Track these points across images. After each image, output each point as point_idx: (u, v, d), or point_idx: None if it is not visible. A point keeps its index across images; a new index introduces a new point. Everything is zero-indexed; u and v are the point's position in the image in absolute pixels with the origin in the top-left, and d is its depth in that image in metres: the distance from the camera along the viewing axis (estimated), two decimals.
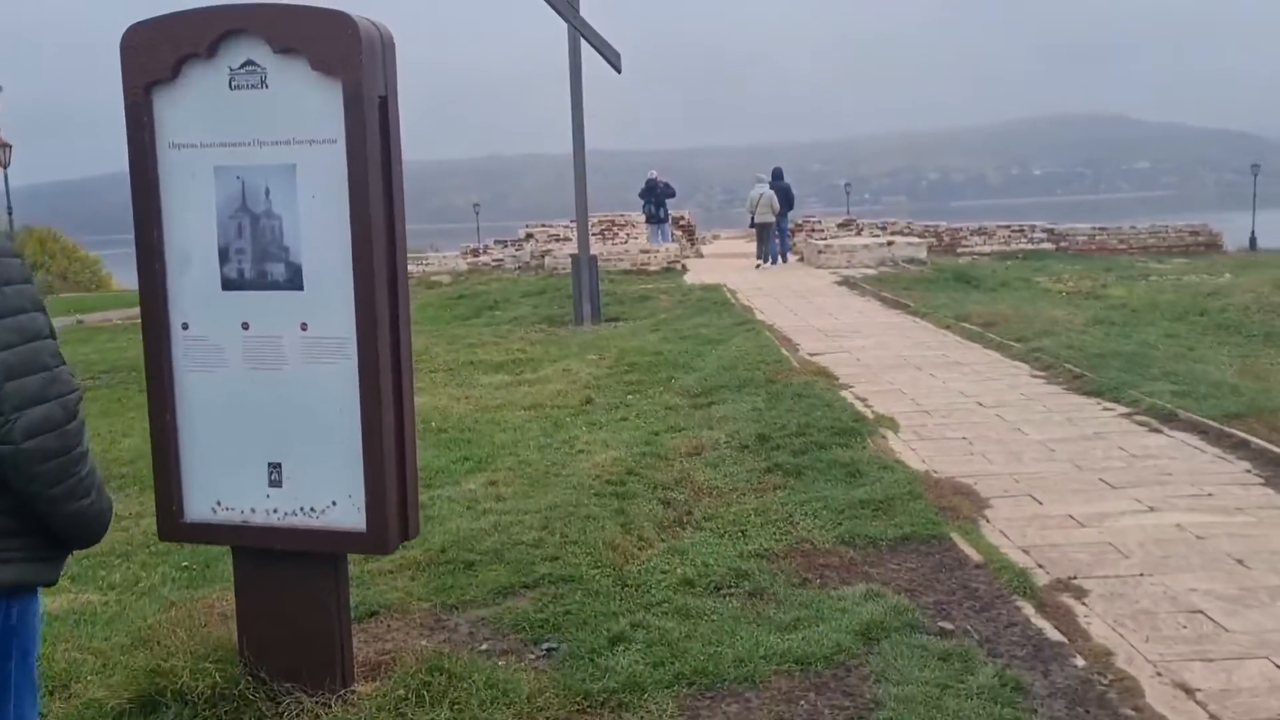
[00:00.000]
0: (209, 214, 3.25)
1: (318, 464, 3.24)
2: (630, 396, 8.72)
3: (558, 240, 24.42)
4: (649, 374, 9.59)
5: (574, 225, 25.69)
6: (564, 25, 14.33)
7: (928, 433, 6.91)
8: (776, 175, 21.98)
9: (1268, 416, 6.43)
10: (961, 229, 25.14)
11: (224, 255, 3.23)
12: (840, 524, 5.08)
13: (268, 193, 3.19)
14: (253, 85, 3.16)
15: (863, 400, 7.95)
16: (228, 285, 3.24)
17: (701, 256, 24.83)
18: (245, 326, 3.25)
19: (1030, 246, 24.31)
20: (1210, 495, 5.27)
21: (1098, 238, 24.59)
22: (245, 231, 3.21)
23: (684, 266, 21.20)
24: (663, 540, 5.14)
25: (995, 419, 7.17)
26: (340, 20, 3.05)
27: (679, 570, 4.64)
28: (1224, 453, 6.00)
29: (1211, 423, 6.46)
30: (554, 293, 17.42)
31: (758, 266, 21.29)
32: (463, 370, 11.01)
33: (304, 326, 3.20)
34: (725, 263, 22.39)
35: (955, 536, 4.81)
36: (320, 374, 3.19)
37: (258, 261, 3.22)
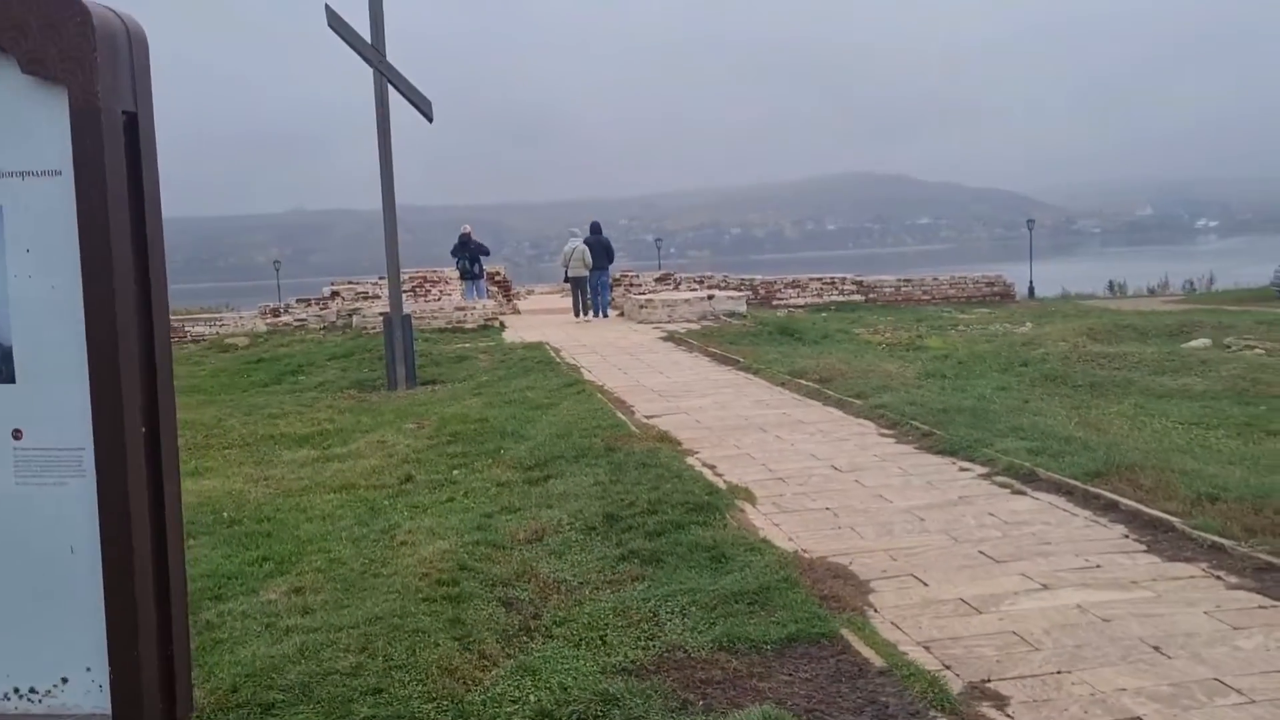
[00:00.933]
0: None
1: (38, 627, 2.30)
2: (456, 471, 7.84)
3: (366, 298, 23.13)
4: (475, 444, 8.73)
5: (383, 283, 24.46)
6: (370, 74, 13.42)
7: (787, 504, 6.37)
8: (595, 229, 21.60)
9: (1127, 473, 6.24)
10: (775, 281, 25.44)
11: None
12: (714, 624, 4.41)
13: None
14: None
15: (712, 468, 7.37)
16: None
17: (519, 313, 24.09)
18: None
19: (841, 298, 24.83)
20: (1099, 567, 4.91)
21: (903, 289, 25.38)
22: None
23: (502, 324, 20.38)
24: (509, 656, 4.32)
25: (854, 485, 6.72)
26: (65, 6, 2.19)
27: (532, 698, 3.85)
28: (1095, 515, 5.73)
29: (1075, 483, 6.21)
30: (363, 354, 16.25)
31: (579, 320, 20.77)
32: (261, 445, 9.81)
33: (16, 434, 2.28)
34: (544, 318, 21.74)
35: (847, 634, 4.22)
36: (41, 500, 2.28)
37: None
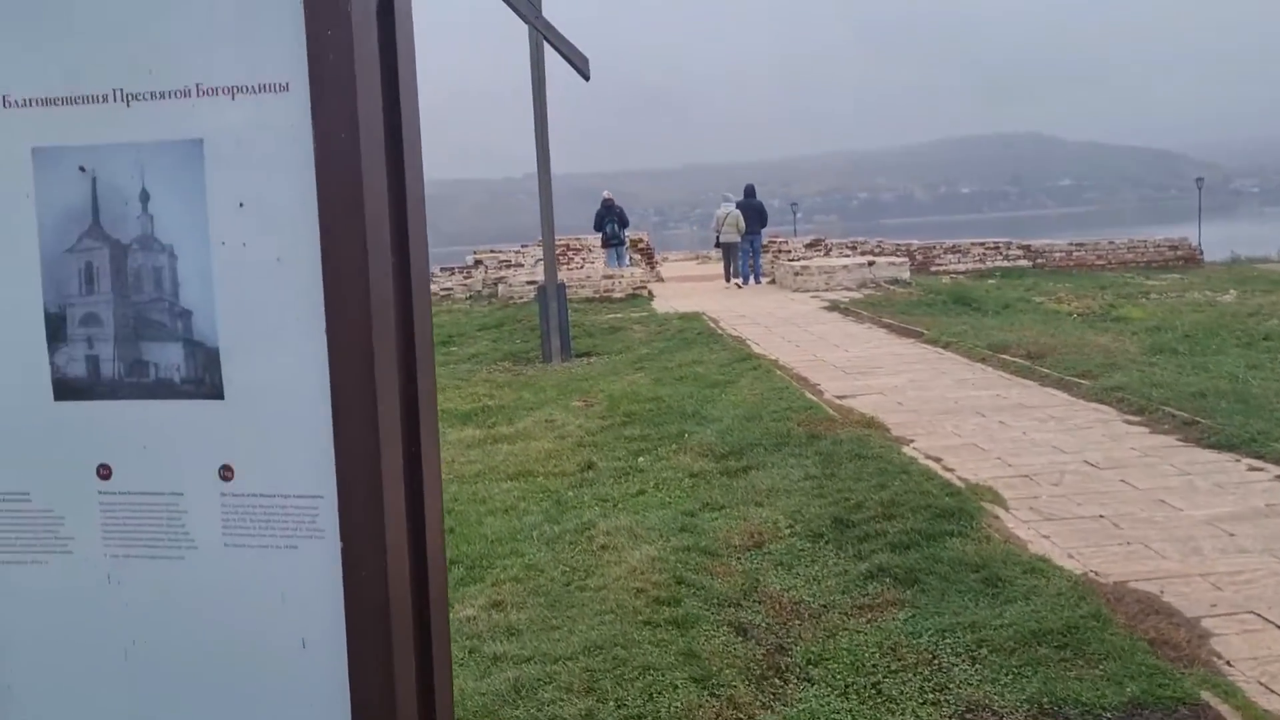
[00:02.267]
0: (23, 245, 1.60)
1: None
2: (640, 459, 7.11)
3: (509, 266, 22.74)
4: (653, 426, 8.00)
5: (525, 251, 24.08)
6: (518, 36, 12.77)
7: (1048, 509, 5.40)
8: (748, 193, 20.65)
9: None
10: (934, 247, 24.00)
11: (56, 329, 1.59)
12: (1020, 675, 3.53)
13: (145, 200, 1.56)
14: None
15: (937, 460, 6.44)
16: (65, 391, 1.60)
17: (663, 280, 23.34)
18: (104, 474, 1.61)
19: (1006, 264, 23.25)
20: None
21: (1075, 254, 23.62)
22: (100, 279, 1.57)
23: (650, 292, 19.66)
24: (765, 706, 3.54)
25: (1123, 486, 5.70)
26: None
27: None
28: None
29: None
30: (514, 325, 15.76)
31: (729, 286, 19.93)
32: None
33: (225, 473, 1.57)
34: (691, 286, 20.94)
35: (1211, 699, 3.28)
36: (258, 568, 1.56)
37: (128, 341, 1.57)
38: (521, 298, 18.79)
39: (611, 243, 22.20)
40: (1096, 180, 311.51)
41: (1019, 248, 23.68)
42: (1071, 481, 5.83)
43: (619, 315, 16.35)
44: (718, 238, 21.03)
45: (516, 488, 6.65)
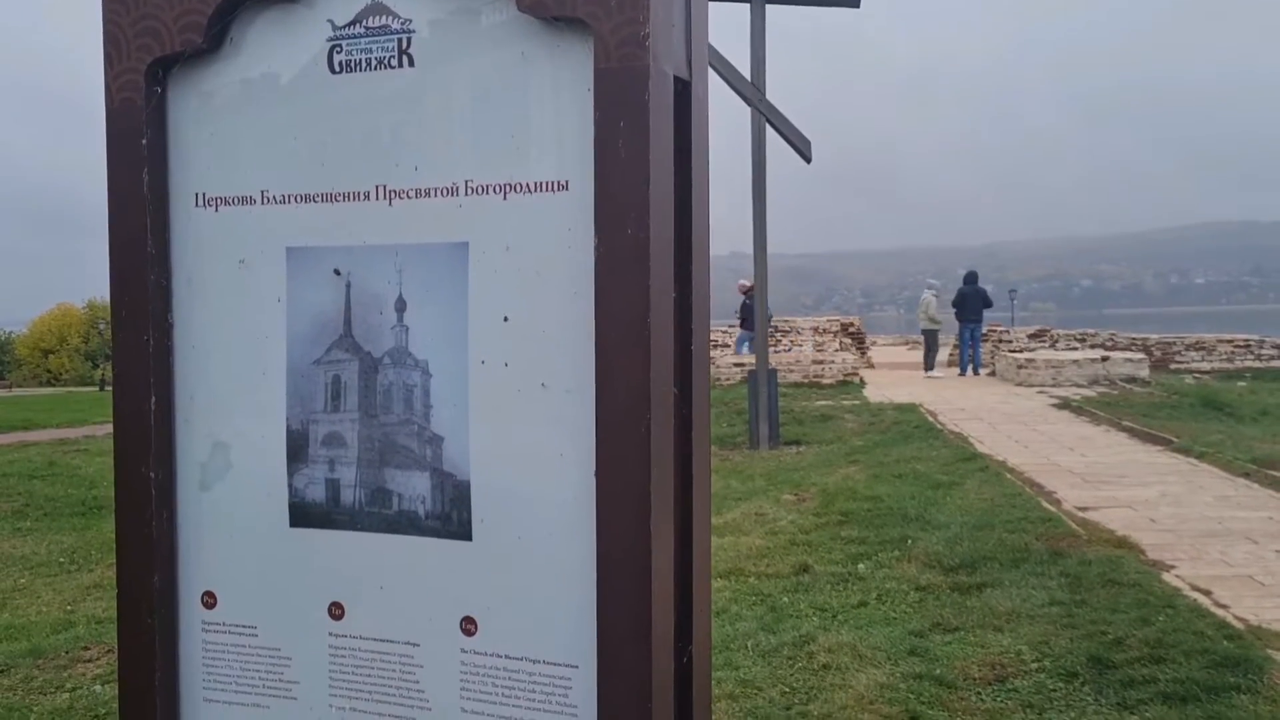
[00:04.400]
0: (271, 354, 1.47)
1: None
2: (861, 565, 6.65)
3: (715, 346, 22.69)
4: (872, 528, 7.51)
5: (733, 330, 23.99)
6: (733, 110, 12.75)
7: None
8: (969, 280, 19.84)
9: None
10: (1174, 342, 22.21)
11: (298, 449, 1.43)
12: None
13: (401, 309, 1.40)
14: (381, 58, 1.39)
15: (1206, 594, 5.66)
16: (301, 517, 1.44)
17: (873, 366, 22.64)
18: (336, 613, 1.43)
19: (1259, 364, 21.22)
20: None
21: None
22: (347, 395, 1.41)
23: (862, 379, 19.06)
24: None
25: None
26: None
27: None
28: None
29: None
30: (720, 407, 15.55)
31: (926, 376, 19.13)
32: None
33: (469, 625, 1.35)
34: (904, 374, 20.16)
35: None
36: None
37: (371, 466, 1.40)
38: (727, 380, 18.60)
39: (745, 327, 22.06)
40: None
41: (1274, 346, 21.59)
42: None
43: (829, 403, 15.86)
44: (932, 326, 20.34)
45: (727, 587, 6.33)
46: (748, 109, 12.71)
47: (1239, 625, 5.06)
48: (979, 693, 4.48)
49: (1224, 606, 5.43)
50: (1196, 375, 20.08)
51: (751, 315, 22.41)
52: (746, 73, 12.64)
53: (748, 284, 22.90)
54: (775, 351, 22.34)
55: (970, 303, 19.35)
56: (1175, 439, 10.77)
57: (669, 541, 1.27)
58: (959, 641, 5.11)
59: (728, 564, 6.84)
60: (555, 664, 1.32)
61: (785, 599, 6.01)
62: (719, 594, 6.15)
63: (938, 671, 4.67)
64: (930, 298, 19.99)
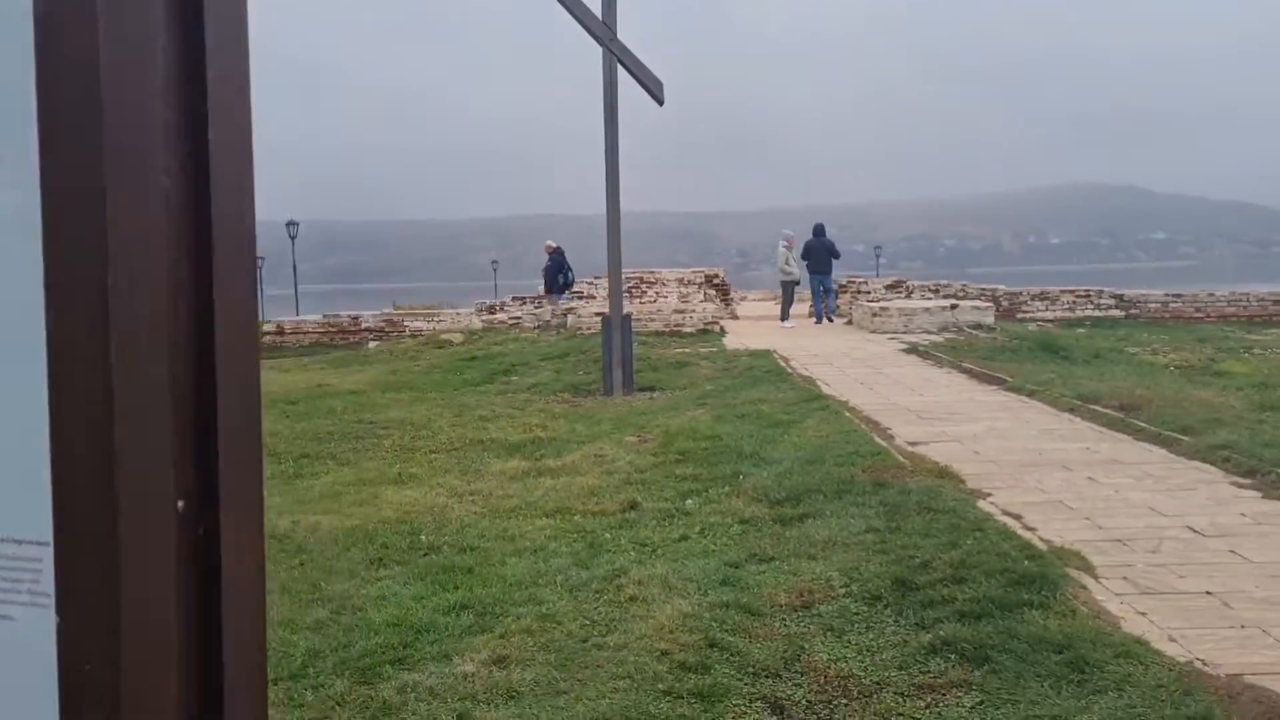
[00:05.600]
0: None
1: None
2: (688, 500, 6.55)
3: (581, 298, 22.43)
4: (708, 466, 7.43)
5: (599, 282, 23.71)
6: (597, 70, 12.43)
7: (1144, 580, 4.69)
8: (817, 231, 20.08)
9: None
10: (1020, 293, 23.02)
11: None
12: None
13: None
14: None
15: (1017, 518, 5.75)
16: None
17: (737, 318, 22.78)
18: None
19: (1097, 313, 22.18)
20: None
21: (1172, 305, 22.44)
22: None
23: (722, 328, 19.11)
24: None
25: (1233, 558, 4.95)
26: None
27: None
28: None
29: None
30: (579, 356, 15.34)
31: (783, 326, 19.35)
32: (469, 451, 8.89)
33: None
34: (765, 325, 20.31)
35: None
36: None
37: None
38: (590, 329, 18.40)
39: (555, 289, 22.22)
40: (1191, 234, 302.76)
41: (1111, 297, 22.59)
42: (1172, 549, 5.10)
43: (687, 350, 15.82)
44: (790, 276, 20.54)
45: (551, 525, 6.15)
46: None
47: (1043, 546, 5.13)
48: (784, 618, 4.41)
49: (1031, 529, 5.51)
50: (1040, 323, 20.85)
51: (554, 277, 22.28)
52: (598, 11, 12.31)
53: (553, 245, 22.66)
54: (641, 301, 22.25)
55: (817, 254, 19.65)
56: (1010, 379, 11.06)
57: (165, 409, 1.00)
58: (773, 570, 5.04)
59: (556, 503, 6.65)
60: (24, 541, 1.03)
61: (607, 535, 5.85)
62: (539, 532, 5.97)
63: (745, 600, 4.58)
64: (784, 250, 20.19)
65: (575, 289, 23.25)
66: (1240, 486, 6.31)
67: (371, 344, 20.83)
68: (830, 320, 20.16)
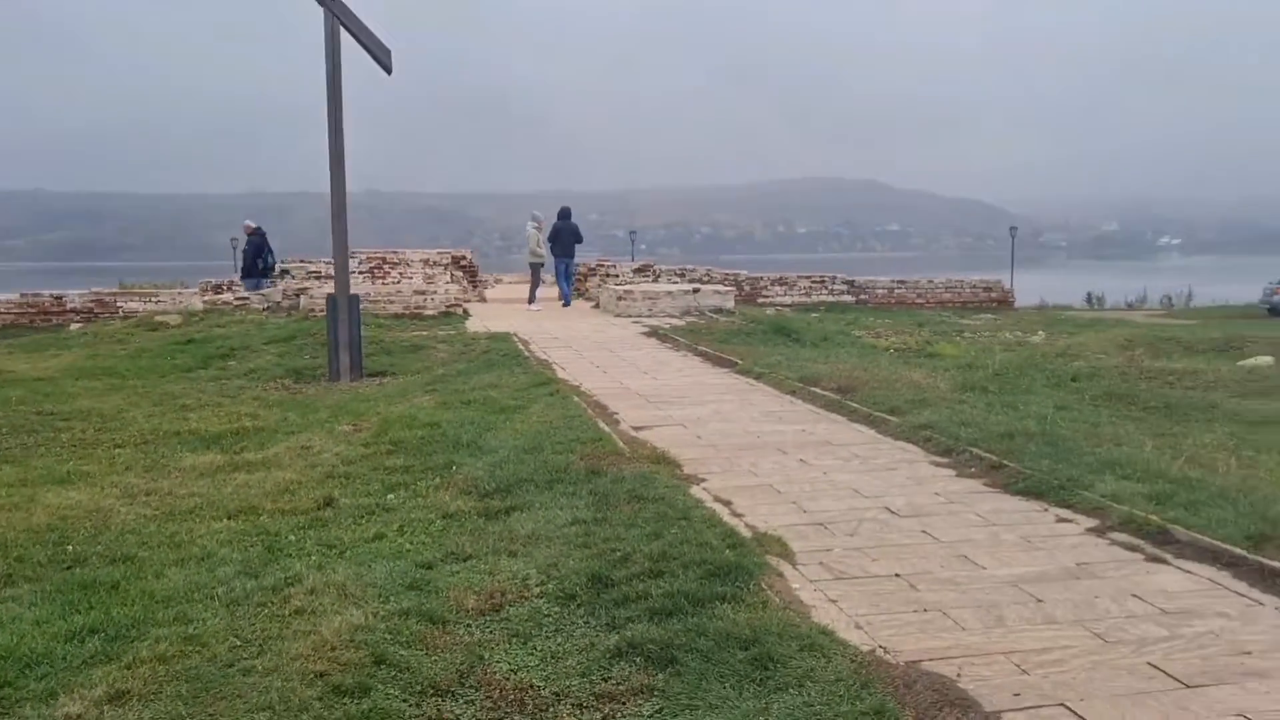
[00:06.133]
0: None
1: None
2: (392, 495, 6.07)
3: (317, 278, 21.17)
4: (421, 456, 6.96)
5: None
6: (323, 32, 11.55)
7: (840, 565, 4.65)
8: (562, 215, 19.87)
9: None
10: (761, 278, 23.78)
11: None
12: None
13: None
14: None
15: (727, 504, 5.64)
16: None
17: (485, 301, 22.24)
18: None
19: (831, 298, 23.25)
20: None
21: (897, 291, 23.86)
22: None
23: (466, 311, 18.55)
24: None
25: (925, 538, 5.01)
26: None
27: None
28: None
29: (1233, 549, 4.54)
30: (306, 339, 14.38)
31: (530, 309, 19.05)
32: (161, 444, 7.98)
33: None
34: (513, 307, 19.90)
35: None
36: None
37: None
38: (323, 311, 17.33)
39: (251, 274, 21.01)
40: (921, 227, 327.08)
41: (843, 283, 23.73)
42: (869, 531, 5.12)
43: (425, 333, 15.17)
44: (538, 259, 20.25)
45: (230, 528, 5.49)
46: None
47: (747, 533, 5.02)
48: (469, 625, 4.03)
49: (739, 515, 5.40)
50: (778, 307, 21.59)
51: (252, 260, 20.90)
52: None
53: (253, 225, 21.35)
54: (383, 283, 21.27)
55: (564, 238, 19.49)
56: (739, 362, 11.20)
57: None
58: (468, 570, 4.66)
59: (242, 503, 5.98)
60: None
61: (292, 537, 5.28)
62: (213, 537, 5.30)
63: (430, 606, 4.17)
64: (533, 231, 19.88)
65: (313, 269, 21.95)
66: (938, 466, 6.50)
67: (74, 326, 18.80)
68: (566, 304, 20.05)
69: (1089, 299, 50.91)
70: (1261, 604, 4.05)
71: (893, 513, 5.44)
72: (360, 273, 21.90)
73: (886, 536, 5.03)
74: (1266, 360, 11.08)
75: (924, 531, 5.10)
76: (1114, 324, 18.81)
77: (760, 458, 6.80)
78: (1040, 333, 16.73)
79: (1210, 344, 12.36)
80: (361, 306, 17.21)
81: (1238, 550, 4.51)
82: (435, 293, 18.36)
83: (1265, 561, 4.36)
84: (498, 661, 3.69)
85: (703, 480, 6.20)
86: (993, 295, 24.46)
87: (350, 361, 11.96)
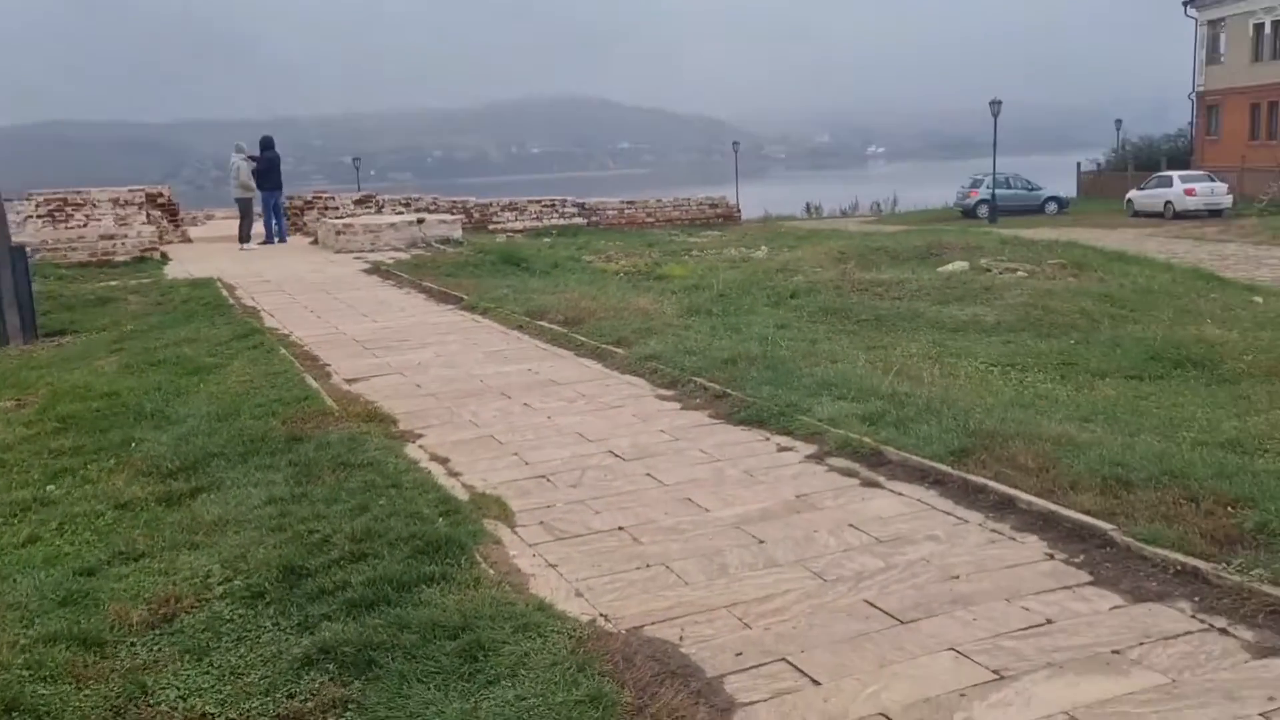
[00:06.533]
0: None
1: None
2: (54, 484, 5.23)
3: None
4: (95, 434, 6.09)
5: (18, 204, 19.88)
6: None
7: (562, 523, 4.38)
8: (265, 145, 18.38)
9: (996, 448, 4.77)
10: (491, 204, 23.13)
11: None
12: None
13: None
14: None
15: (444, 462, 5.24)
16: None
17: (190, 241, 20.35)
18: None
19: (563, 221, 22.98)
20: (1051, 624, 3.30)
21: (627, 211, 23.92)
22: None
23: (164, 255, 16.86)
24: None
25: (649, 482, 4.83)
26: None
27: None
28: (990, 519, 4.17)
29: (941, 467, 4.65)
30: None
31: (243, 249, 17.61)
32: None
33: None
34: (221, 247, 18.30)
35: None
36: None
37: None
38: None
39: None
40: (652, 144, 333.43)
41: (574, 205, 23.53)
42: (593, 480, 4.89)
43: (116, 283, 13.62)
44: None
45: None
46: None
47: (464, 495, 4.66)
48: (132, 644, 3.45)
49: (456, 475, 5.03)
50: (510, 234, 21.10)
51: None
52: None
53: None
54: (65, 227, 18.94)
55: (268, 171, 18.05)
56: (465, 297, 10.72)
57: None
58: (139, 572, 4.03)
59: None
60: None
61: None
62: None
63: (86, 626, 3.54)
64: (240, 163, 18.24)
65: None
66: (664, 399, 6.38)
67: None
68: (284, 239, 18.69)
69: (808, 209, 53.81)
70: (966, 521, 4.14)
71: (618, 456, 5.23)
72: (37, 217, 19.41)
73: (611, 485, 4.81)
74: (962, 265, 11.84)
75: (649, 475, 4.92)
76: (829, 235, 19.68)
77: (483, 405, 6.43)
78: (763, 247, 17.21)
79: (914, 252, 13.08)
80: (37, 256, 15.27)
81: (943, 467, 4.62)
82: (127, 236, 16.55)
83: (967, 477, 4.48)
84: (164, 688, 3.16)
85: (420, 436, 5.76)
86: (719, 211, 25.05)
87: (21, 322, 10.48)
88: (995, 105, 36.81)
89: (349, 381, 7.20)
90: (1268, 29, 38.43)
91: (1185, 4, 42.76)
